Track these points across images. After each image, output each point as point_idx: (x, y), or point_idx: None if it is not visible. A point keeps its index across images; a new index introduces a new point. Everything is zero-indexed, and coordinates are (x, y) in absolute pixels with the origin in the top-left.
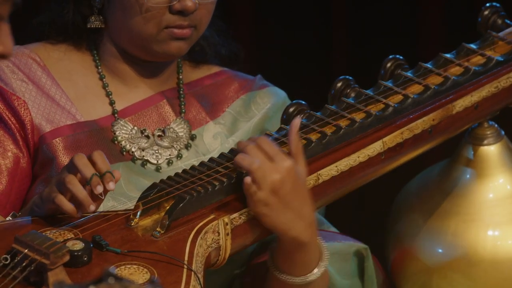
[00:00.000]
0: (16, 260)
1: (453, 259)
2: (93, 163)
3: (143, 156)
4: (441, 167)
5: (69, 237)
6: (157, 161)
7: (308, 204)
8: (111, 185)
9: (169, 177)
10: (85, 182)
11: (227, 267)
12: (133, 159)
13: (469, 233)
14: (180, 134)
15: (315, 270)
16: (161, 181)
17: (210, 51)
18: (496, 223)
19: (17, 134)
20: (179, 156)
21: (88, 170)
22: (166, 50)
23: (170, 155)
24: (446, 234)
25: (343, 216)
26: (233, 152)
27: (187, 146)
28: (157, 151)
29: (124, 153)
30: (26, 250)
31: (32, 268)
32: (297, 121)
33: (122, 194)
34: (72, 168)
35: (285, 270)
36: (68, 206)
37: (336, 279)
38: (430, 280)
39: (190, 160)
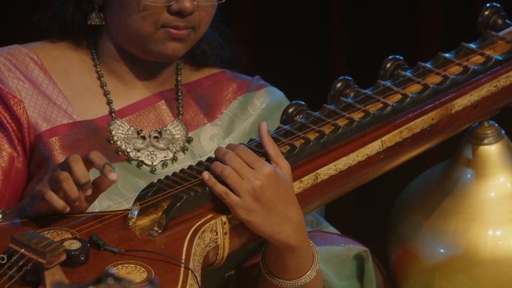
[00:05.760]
0: (12, 260)
1: (454, 258)
2: (90, 163)
3: (138, 157)
4: (442, 167)
5: (66, 237)
6: (152, 163)
7: (295, 207)
8: (113, 175)
9: (166, 177)
10: (77, 185)
11: (219, 270)
12: (128, 159)
13: (470, 232)
14: (176, 136)
15: (307, 273)
16: (159, 180)
17: (212, 54)
18: (496, 222)
19: (13, 133)
20: (174, 159)
21: (82, 174)
22: (162, 50)
23: (165, 157)
24: (447, 233)
25: (344, 216)
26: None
27: (183, 149)
28: (152, 153)
29: (120, 153)
30: (22, 250)
31: (29, 267)
32: (263, 125)
33: (118, 194)
34: (66, 168)
35: (277, 274)
36: (58, 202)
37: (334, 282)
38: (431, 280)
39: (185, 162)
